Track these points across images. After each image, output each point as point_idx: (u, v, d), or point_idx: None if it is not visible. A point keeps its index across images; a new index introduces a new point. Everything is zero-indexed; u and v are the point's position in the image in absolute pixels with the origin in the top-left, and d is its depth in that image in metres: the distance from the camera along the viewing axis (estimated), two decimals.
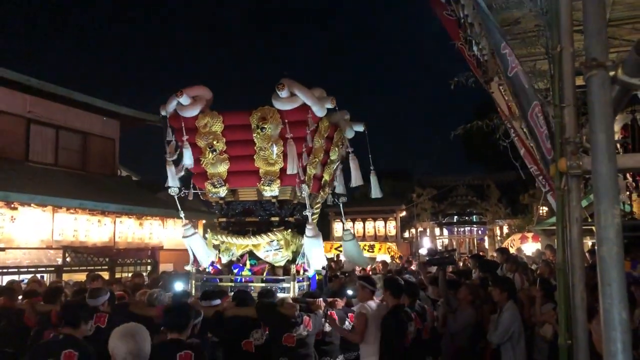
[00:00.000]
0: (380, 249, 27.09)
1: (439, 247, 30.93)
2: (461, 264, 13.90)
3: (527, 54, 9.08)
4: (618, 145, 11.63)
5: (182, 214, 8.08)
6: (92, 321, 4.79)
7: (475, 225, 32.40)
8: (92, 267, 13.00)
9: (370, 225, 29.28)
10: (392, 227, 29.69)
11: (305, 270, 7.52)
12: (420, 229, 32.97)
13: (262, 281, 7.33)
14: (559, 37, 2.76)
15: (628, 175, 11.71)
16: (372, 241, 28.03)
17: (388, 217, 29.19)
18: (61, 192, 12.15)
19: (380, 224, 29.24)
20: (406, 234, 32.72)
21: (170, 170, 7.76)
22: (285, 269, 7.42)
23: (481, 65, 7.62)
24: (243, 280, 7.47)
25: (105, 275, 11.81)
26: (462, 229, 32.71)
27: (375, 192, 8.55)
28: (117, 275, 13.24)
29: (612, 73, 1.74)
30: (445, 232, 33.12)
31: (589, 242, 12.62)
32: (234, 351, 5.60)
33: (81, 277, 10.73)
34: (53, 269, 12.40)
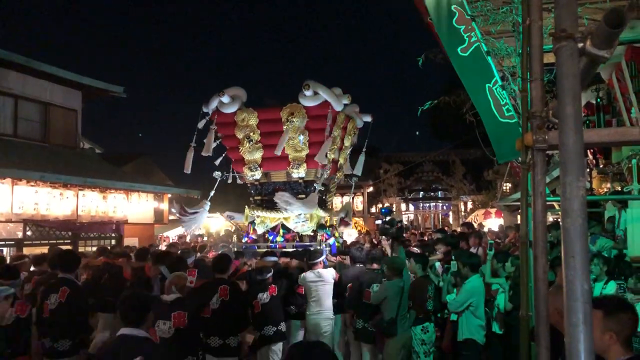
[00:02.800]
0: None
1: (405, 222, 31.35)
2: (426, 238, 14.12)
3: (493, 32, 9.13)
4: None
5: (212, 192, 10.10)
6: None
7: (440, 201, 32.91)
8: (54, 241, 12.74)
9: (337, 200, 29.39)
10: (359, 202, 29.89)
11: (327, 239, 9.23)
12: (386, 204, 33.26)
13: (293, 247, 8.92)
14: (528, 11, 2.75)
15: (589, 152, 11.97)
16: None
17: (355, 192, 29.35)
18: (21, 164, 11.79)
19: (347, 199, 29.39)
20: (373, 209, 33.01)
21: (189, 157, 9.40)
22: (312, 237, 9.29)
23: None
24: (277, 246, 9.11)
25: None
26: (427, 205, 33.18)
27: (358, 170, 10.66)
28: (81, 249, 13.00)
29: (580, 45, 1.73)
30: (411, 207, 33.54)
31: (550, 218, 12.92)
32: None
33: (43, 250, 10.51)
34: (13, 242, 12.11)
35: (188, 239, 16.41)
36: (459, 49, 4.37)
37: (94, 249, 12.49)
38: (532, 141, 2.48)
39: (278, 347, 6.39)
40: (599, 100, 9.65)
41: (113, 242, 14.52)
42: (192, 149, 9.39)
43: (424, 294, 6.29)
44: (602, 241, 7.44)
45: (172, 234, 19.06)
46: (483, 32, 8.41)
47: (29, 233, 12.40)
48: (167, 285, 5.16)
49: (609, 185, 11.68)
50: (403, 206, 33.60)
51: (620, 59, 7.79)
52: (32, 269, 7.48)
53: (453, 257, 7.16)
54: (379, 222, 26.86)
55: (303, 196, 9.34)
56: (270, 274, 6.51)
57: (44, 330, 5.34)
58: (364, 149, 10.71)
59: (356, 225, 27.43)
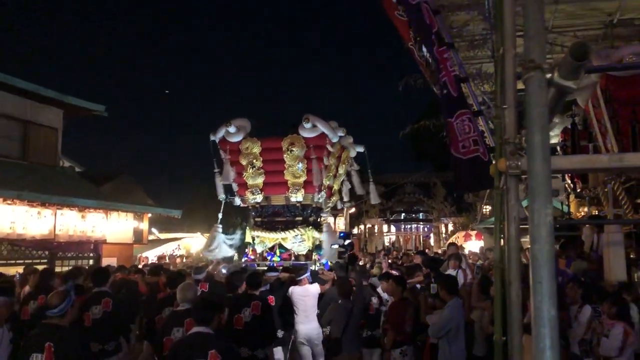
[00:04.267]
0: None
1: (387, 244, 31.39)
2: (399, 259, 14.25)
3: (473, 56, 9.30)
4: (558, 148, 12.05)
5: (220, 214, 10.90)
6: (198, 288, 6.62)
7: (421, 223, 33.00)
8: (30, 261, 12.52)
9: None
10: (341, 223, 29.87)
11: (319, 259, 10.05)
12: (368, 225, 33.32)
13: (290, 265, 9.46)
14: (502, 40, 2.82)
15: (566, 177, 12.14)
16: None
17: (337, 213, 29.35)
18: None
19: (329, 220, 29.39)
20: (355, 230, 33.01)
21: (219, 183, 10.49)
22: (307, 256, 10.00)
23: (430, 66, 7.76)
24: (275, 264, 9.75)
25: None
26: (409, 226, 33.24)
27: (374, 198, 11.82)
28: (57, 269, 12.78)
29: (548, 75, 1.78)
30: (393, 228, 33.60)
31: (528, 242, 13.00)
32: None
33: (18, 270, 10.32)
34: None
35: (167, 259, 16.25)
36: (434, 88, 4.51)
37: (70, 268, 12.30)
38: (505, 167, 2.53)
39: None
40: (574, 125, 9.82)
41: (91, 262, 14.30)
42: (217, 175, 10.54)
43: (403, 316, 6.29)
44: (577, 264, 7.52)
45: (152, 254, 18.85)
46: (462, 58, 8.56)
47: (4, 252, 12.18)
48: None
49: (586, 209, 11.83)
50: (385, 227, 33.65)
51: (595, 87, 7.97)
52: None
53: (432, 280, 7.18)
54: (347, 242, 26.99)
55: (300, 218, 10.38)
56: (267, 287, 7.27)
57: (88, 337, 5.73)
58: (371, 180, 11.64)
59: None
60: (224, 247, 10.69)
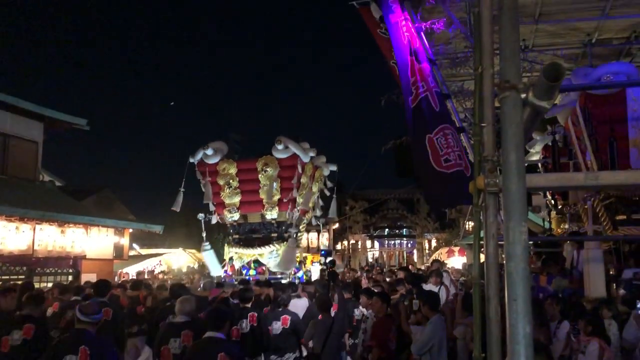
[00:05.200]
0: (313, 260, 27.12)
1: (370, 260, 31.39)
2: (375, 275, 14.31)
3: (456, 74, 9.42)
4: (540, 165, 12.19)
5: (204, 234, 11.74)
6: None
7: (405, 239, 33.07)
8: (7, 277, 12.29)
9: (303, 237, 29.29)
10: (324, 239, 29.79)
11: (296, 272, 11.11)
12: (352, 241, 33.29)
13: (266, 279, 9.80)
14: (480, 59, 2.86)
15: (548, 193, 12.27)
16: (304, 252, 28.06)
17: (321, 229, 29.31)
18: None
19: (313, 235, 29.30)
20: (339, 246, 32.96)
21: (179, 199, 11.14)
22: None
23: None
24: (251, 278, 10.27)
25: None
26: (392, 242, 33.29)
27: (333, 213, 12.65)
28: (36, 285, 12.56)
29: (523, 95, 1.81)
30: (377, 244, 33.62)
31: None
32: None
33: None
34: None
35: (146, 275, 16.07)
36: (409, 100, 4.54)
37: (50, 284, 12.10)
38: (483, 184, 2.55)
39: None
40: (555, 143, 9.96)
41: (70, 278, 14.08)
42: (181, 192, 11.17)
43: (387, 333, 6.27)
44: (558, 282, 7.58)
45: (132, 270, 18.63)
46: (445, 75, 8.66)
47: None
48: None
49: (567, 225, 11.97)
50: (368, 243, 33.65)
51: (574, 105, 8.11)
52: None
53: (415, 296, 7.18)
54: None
55: (275, 235, 11.09)
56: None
57: None
58: (334, 195, 12.32)
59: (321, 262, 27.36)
60: (214, 264, 11.51)
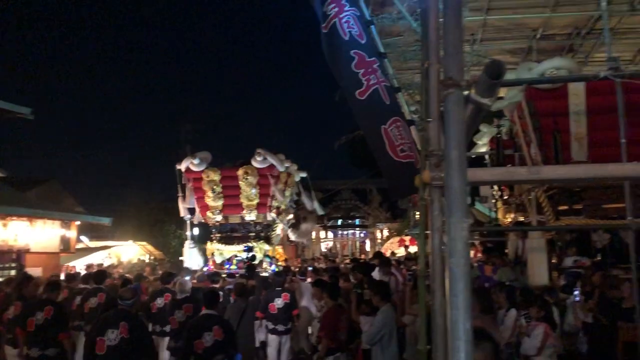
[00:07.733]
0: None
1: (324, 250, 31.55)
2: (342, 265, 14.39)
3: (405, 67, 9.52)
4: (487, 157, 12.49)
5: (188, 232, 14.62)
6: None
7: (358, 229, 33.32)
8: None
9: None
10: (279, 230, 29.70)
11: (270, 265, 13.01)
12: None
13: (244, 272, 10.97)
14: (427, 54, 2.88)
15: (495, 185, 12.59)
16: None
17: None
18: None
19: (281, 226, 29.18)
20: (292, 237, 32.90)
21: (181, 205, 13.71)
22: (258, 264, 12.28)
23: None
24: (233, 271, 12.11)
25: None
26: (345, 232, 33.49)
27: (319, 210, 16.64)
28: None
29: (466, 92, 1.83)
30: (330, 234, 33.77)
31: None
32: None
33: None
34: None
35: (95, 268, 15.60)
36: (356, 93, 4.52)
37: None
38: (429, 178, 2.58)
39: None
40: (500, 135, 10.21)
41: (13, 272, 13.55)
42: (180, 198, 13.54)
43: (337, 324, 6.31)
44: (502, 272, 7.80)
45: (80, 264, 18.10)
46: (395, 68, 8.71)
47: None
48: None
49: (513, 215, 12.32)
50: (322, 234, 33.75)
51: (520, 98, 8.33)
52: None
53: (365, 286, 7.25)
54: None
55: (253, 234, 13.48)
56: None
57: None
58: (314, 198, 15.89)
59: (276, 253, 27.29)
60: (196, 257, 13.69)
